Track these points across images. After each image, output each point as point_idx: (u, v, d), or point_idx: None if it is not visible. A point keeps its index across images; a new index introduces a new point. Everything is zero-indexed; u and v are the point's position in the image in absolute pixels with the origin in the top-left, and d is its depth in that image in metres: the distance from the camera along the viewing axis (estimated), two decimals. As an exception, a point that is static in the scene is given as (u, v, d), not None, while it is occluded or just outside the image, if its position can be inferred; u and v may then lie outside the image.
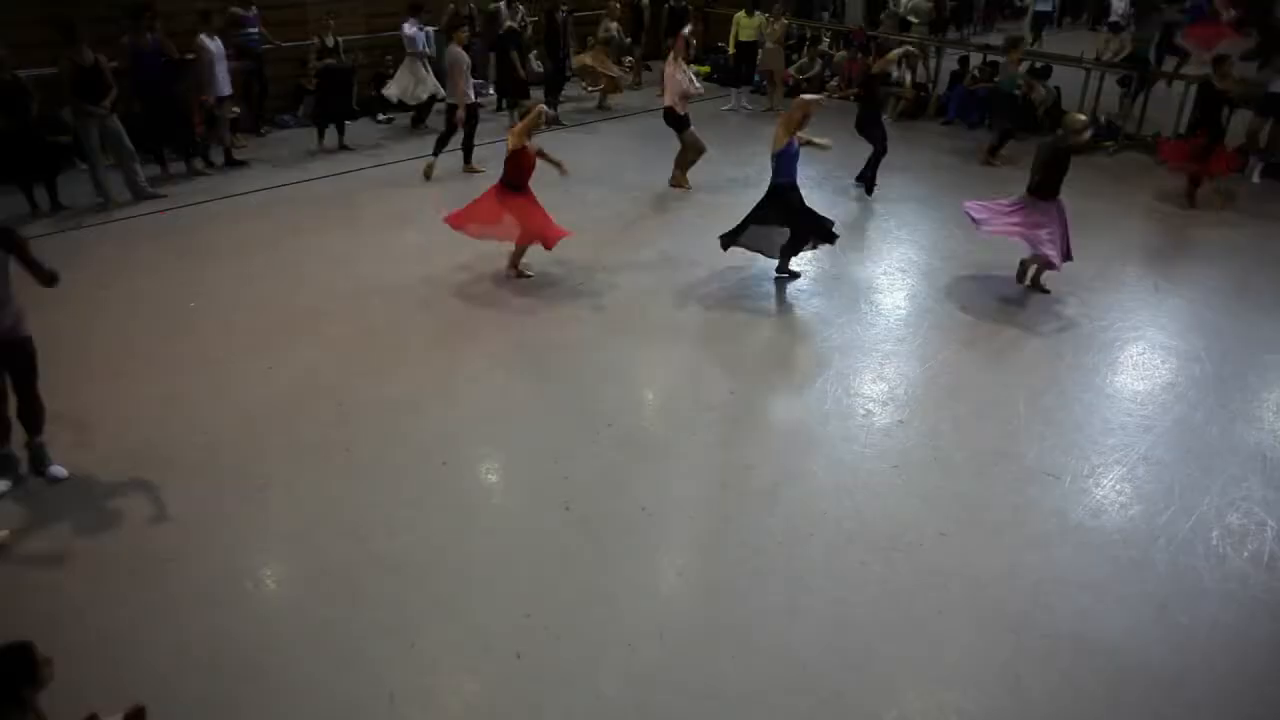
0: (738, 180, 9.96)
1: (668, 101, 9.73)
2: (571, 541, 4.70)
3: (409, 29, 11.37)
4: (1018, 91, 11.28)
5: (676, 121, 9.80)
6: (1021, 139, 11.23)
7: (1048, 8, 17.87)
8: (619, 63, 13.67)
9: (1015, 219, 7.25)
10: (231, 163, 10.41)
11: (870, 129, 9.79)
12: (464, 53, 9.82)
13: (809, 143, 7.33)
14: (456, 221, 7.38)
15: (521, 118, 7.27)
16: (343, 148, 10.95)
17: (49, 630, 3.93)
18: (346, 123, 11.13)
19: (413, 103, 11.90)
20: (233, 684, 3.83)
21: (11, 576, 4.39)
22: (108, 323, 6.77)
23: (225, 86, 10.03)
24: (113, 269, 7.67)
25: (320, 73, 10.71)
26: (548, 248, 7.36)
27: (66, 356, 6.24)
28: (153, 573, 4.41)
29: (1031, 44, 15.58)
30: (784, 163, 7.25)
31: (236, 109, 11.36)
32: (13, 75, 8.36)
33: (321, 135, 10.94)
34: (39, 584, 4.36)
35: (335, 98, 10.89)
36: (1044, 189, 7.19)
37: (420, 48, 11.52)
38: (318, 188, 9.86)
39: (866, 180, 9.98)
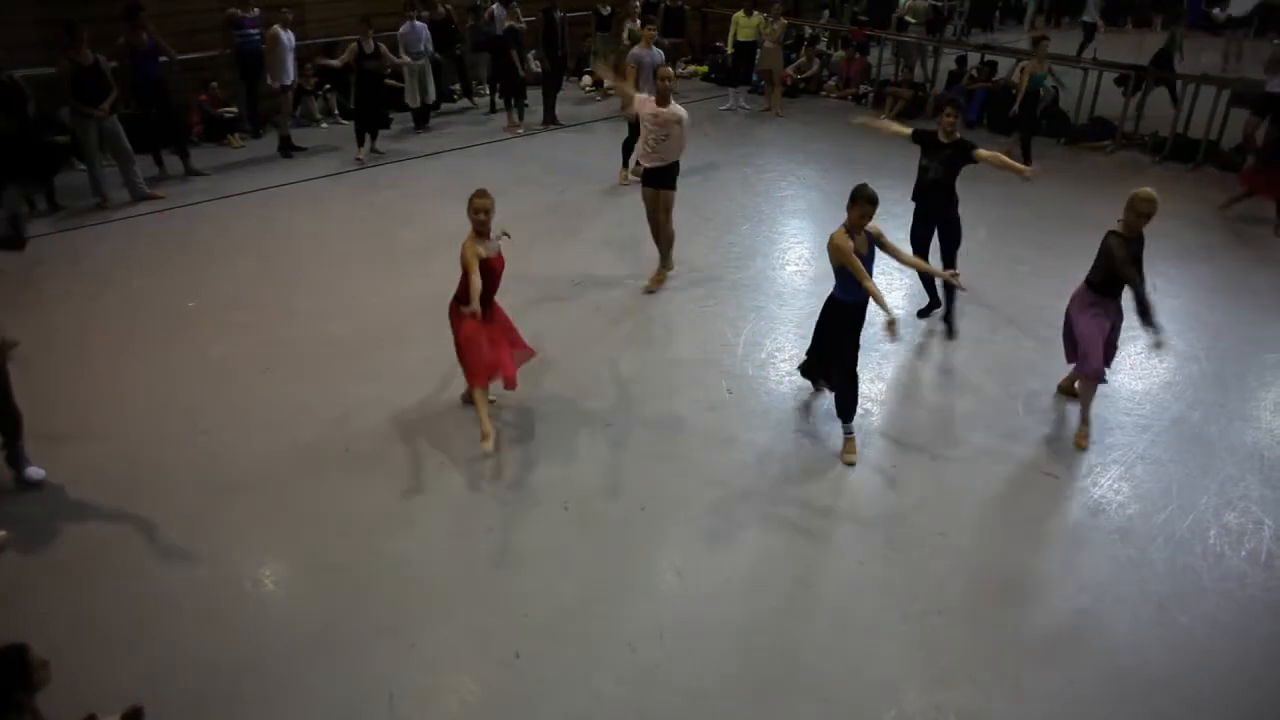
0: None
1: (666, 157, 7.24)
2: (570, 541, 4.70)
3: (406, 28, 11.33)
4: (1047, 88, 10.97)
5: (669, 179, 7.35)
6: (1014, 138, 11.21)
7: (1092, 19, 17.07)
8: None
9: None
10: (287, 148, 10.78)
11: (952, 211, 6.70)
12: (645, 54, 9.69)
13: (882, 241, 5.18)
14: (475, 380, 5.37)
15: (475, 215, 5.13)
16: (374, 151, 10.77)
17: (47, 630, 3.94)
18: (378, 129, 10.95)
19: (414, 105, 11.79)
20: (232, 684, 3.83)
21: (10, 577, 4.38)
22: (106, 322, 6.76)
23: (290, 75, 10.56)
24: (111, 269, 7.67)
25: (359, 77, 10.49)
26: (508, 386, 5.46)
27: (65, 356, 6.25)
28: (152, 573, 4.41)
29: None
30: (847, 276, 5.13)
31: (234, 109, 11.38)
32: (9, 76, 8.35)
33: (361, 142, 10.65)
34: (37, 584, 4.35)
35: (376, 103, 10.72)
36: (1111, 286, 5.46)
37: (421, 46, 11.44)
38: (316, 187, 9.85)
39: (948, 318, 6.92)
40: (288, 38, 10.39)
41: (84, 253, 7.99)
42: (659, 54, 9.97)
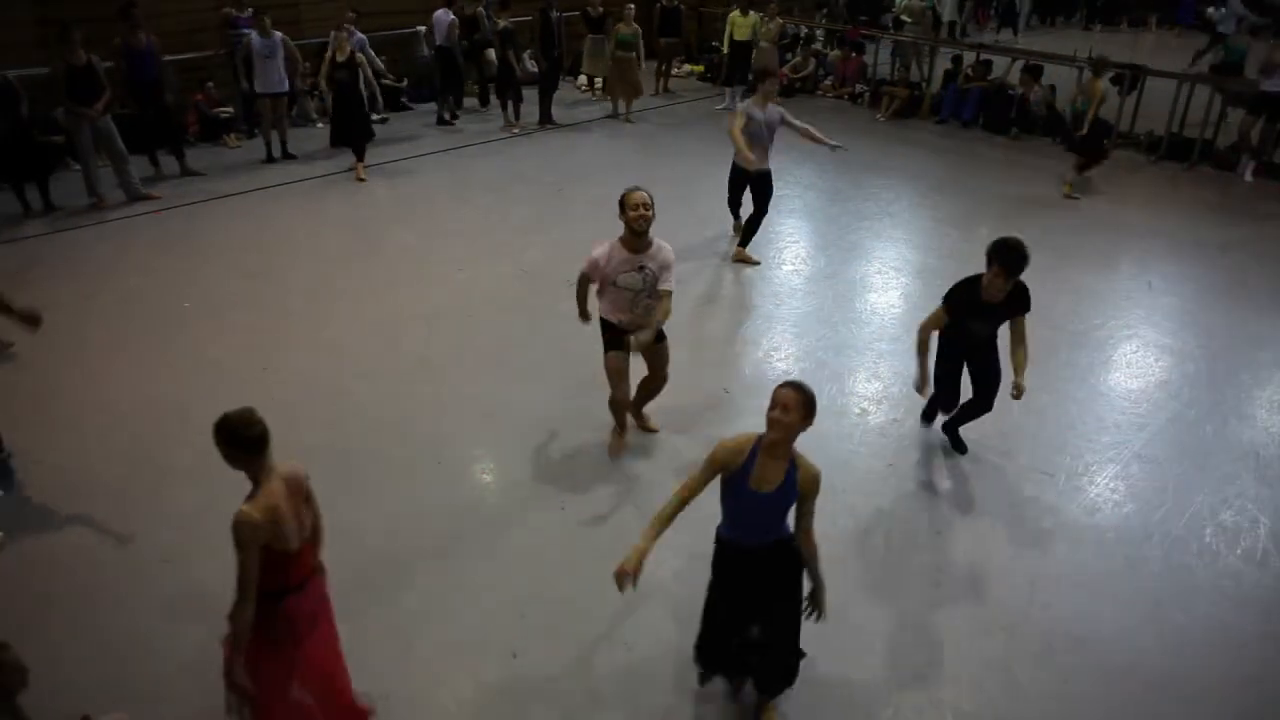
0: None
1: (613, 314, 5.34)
2: (567, 542, 4.70)
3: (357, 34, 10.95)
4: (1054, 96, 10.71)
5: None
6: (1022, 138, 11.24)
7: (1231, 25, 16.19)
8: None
9: None
10: (286, 155, 10.58)
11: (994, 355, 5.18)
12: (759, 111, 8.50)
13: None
14: None
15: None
16: (359, 170, 10.11)
17: (44, 633, 3.94)
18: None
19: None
20: (229, 685, 3.82)
21: (6, 579, 4.37)
22: (102, 323, 6.75)
23: (272, 85, 10.14)
24: (106, 269, 7.66)
25: (335, 87, 9.93)
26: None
27: (61, 356, 6.24)
28: (151, 574, 4.40)
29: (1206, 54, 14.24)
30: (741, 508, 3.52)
31: (230, 109, 11.37)
32: (3, 76, 8.35)
33: (360, 156, 10.07)
34: (35, 586, 4.34)
35: (350, 118, 9.97)
36: None
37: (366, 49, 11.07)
38: (313, 187, 9.84)
39: (952, 432, 5.53)
40: (261, 44, 9.96)
41: (80, 253, 7.98)
42: (775, 113, 7.64)
